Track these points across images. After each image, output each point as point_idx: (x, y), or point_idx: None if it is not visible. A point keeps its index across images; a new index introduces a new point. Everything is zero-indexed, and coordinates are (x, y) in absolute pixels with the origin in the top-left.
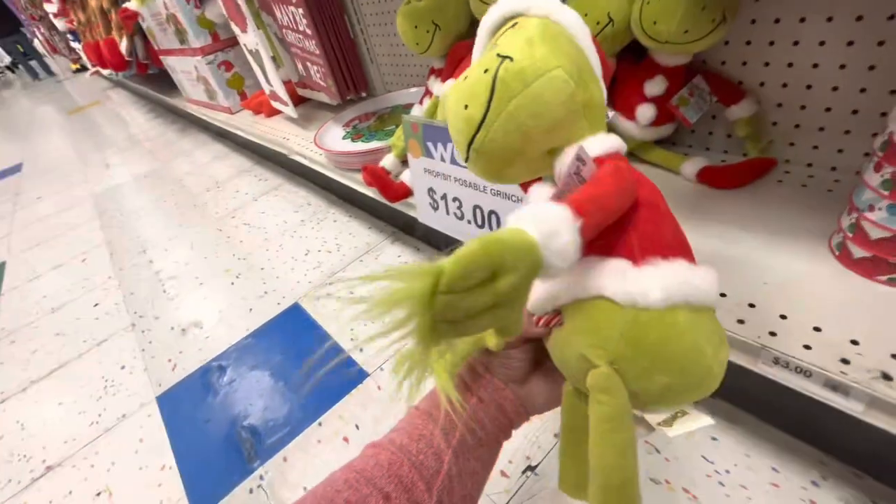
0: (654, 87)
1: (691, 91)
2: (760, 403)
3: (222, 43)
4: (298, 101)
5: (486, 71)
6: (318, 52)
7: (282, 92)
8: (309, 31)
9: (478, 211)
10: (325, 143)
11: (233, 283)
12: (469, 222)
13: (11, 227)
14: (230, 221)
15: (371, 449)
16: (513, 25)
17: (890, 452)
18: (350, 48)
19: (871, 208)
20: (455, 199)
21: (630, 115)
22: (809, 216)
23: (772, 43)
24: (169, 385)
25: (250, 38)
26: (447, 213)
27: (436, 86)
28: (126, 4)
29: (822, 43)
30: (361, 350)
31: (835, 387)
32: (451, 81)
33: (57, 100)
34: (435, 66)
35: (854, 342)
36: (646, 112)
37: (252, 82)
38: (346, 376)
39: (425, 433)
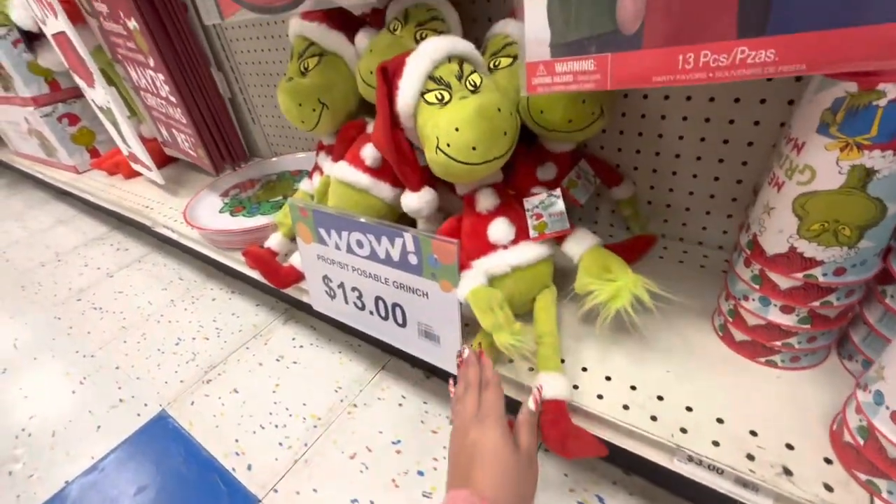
0: (546, 172)
1: (578, 174)
2: (680, 486)
3: (64, 93)
4: (165, 161)
5: None
6: (184, 120)
7: (142, 154)
8: (173, 99)
9: (380, 303)
10: (199, 217)
11: (74, 392)
12: (371, 313)
13: None
14: (74, 306)
15: None
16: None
17: None
18: (223, 112)
19: (746, 298)
20: (354, 289)
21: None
22: (691, 294)
23: (640, 133)
24: None
25: (99, 95)
26: (346, 302)
27: (326, 163)
28: None
29: (681, 137)
30: (250, 468)
31: (745, 484)
32: (342, 163)
33: None
34: (324, 142)
35: (753, 433)
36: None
37: (105, 137)
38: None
39: None
